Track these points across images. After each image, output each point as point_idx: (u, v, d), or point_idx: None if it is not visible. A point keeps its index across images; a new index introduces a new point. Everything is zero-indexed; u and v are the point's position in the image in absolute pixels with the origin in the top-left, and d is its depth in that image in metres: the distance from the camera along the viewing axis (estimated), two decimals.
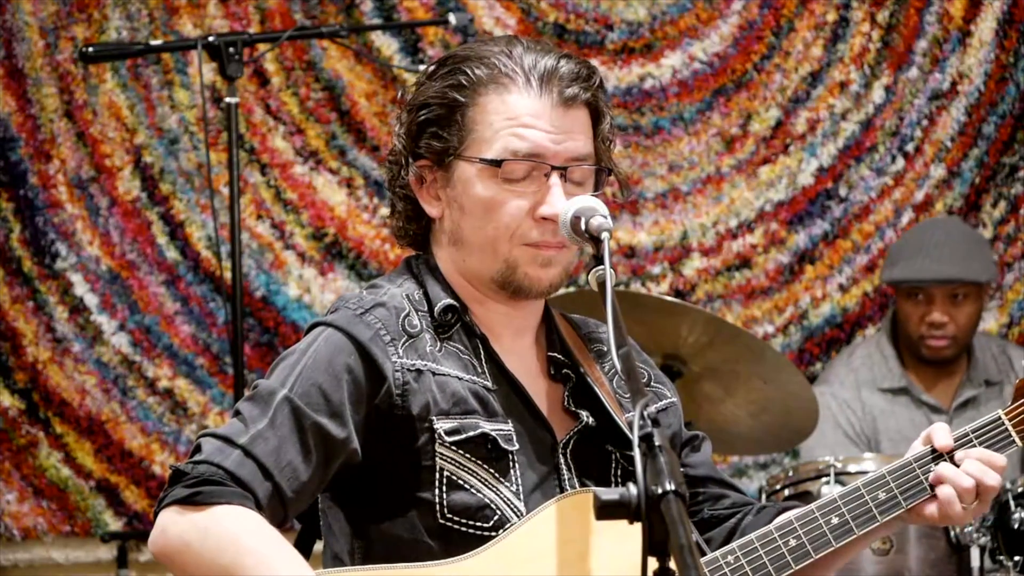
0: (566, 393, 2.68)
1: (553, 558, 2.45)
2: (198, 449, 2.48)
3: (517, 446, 2.59)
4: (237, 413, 2.52)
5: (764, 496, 4.49)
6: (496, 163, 2.59)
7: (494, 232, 2.61)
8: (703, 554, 2.59)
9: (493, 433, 2.57)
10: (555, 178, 2.60)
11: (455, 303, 2.64)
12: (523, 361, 2.68)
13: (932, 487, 2.62)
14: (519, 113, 2.61)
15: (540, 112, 2.61)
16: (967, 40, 5.63)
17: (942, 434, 2.64)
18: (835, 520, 2.61)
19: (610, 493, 2.03)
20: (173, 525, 2.42)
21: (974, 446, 2.65)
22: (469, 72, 2.63)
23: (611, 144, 2.71)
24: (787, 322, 5.57)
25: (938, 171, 5.63)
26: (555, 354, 2.71)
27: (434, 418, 2.54)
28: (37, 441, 5.25)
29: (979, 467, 2.61)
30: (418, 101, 2.67)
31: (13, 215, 5.27)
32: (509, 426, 2.59)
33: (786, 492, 4.37)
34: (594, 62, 5.54)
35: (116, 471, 5.28)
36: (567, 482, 2.61)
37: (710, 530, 2.76)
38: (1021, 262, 5.65)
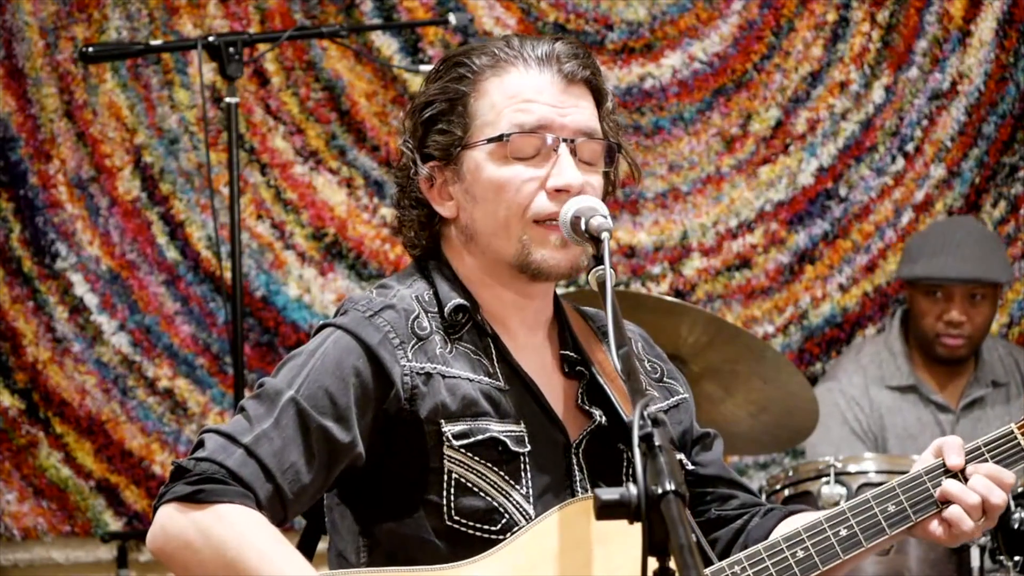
0: (580, 390, 2.67)
1: (558, 563, 2.45)
2: (201, 445, 2.47)
3: (529, 447, 2.58)
4: (242, 410, 2.51)
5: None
6: (503, 138, 2.58)
7: (506, 212, 2.59)
8: (704, 556, 2.58)
9: (503, 436, 2.56)
10: (564, 148, 2.59)
11: (465, 303, 2.62)
12: (537, 358, 2.66)
13: (942, 503, 2.60)
14: (521, 90, 2.61)
15: (542, 87, 2.61)
16: (967, 40, 5.63)
17: (954, 452, 2.62)
18: (843, 532, 2.59)
19: (610, 493, 2.03)
20: (173, 523, 2.42)
21: (985, 460, 2.63)
22: (468, 63, 2.64)
23: (618, 126, 2.70)
24: (787, 322, 5.57)
25: (938, 171, 5.63)
26: (568, 352, 2.70)
27: (443, 421, 2.54)
28: (37, 441, 5.25)
29: (986, 484, 2.60)
30: (421, 102, 2.67)
31: (13, 215, 5.26)
32: (521, 427, 2.58)
33: (786, 492, 4.37)
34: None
35: (116, 471, 5.28)
36: (579, 483, 2.61)
37: (717, 530, 2.76)
38: (1021, 262, 5.65)
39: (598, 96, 2.67)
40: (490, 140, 2.60)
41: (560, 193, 2.58)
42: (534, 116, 2.60)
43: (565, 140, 2.59)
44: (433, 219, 2.68)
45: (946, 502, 2.60)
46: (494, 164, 2.60)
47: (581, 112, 2.62)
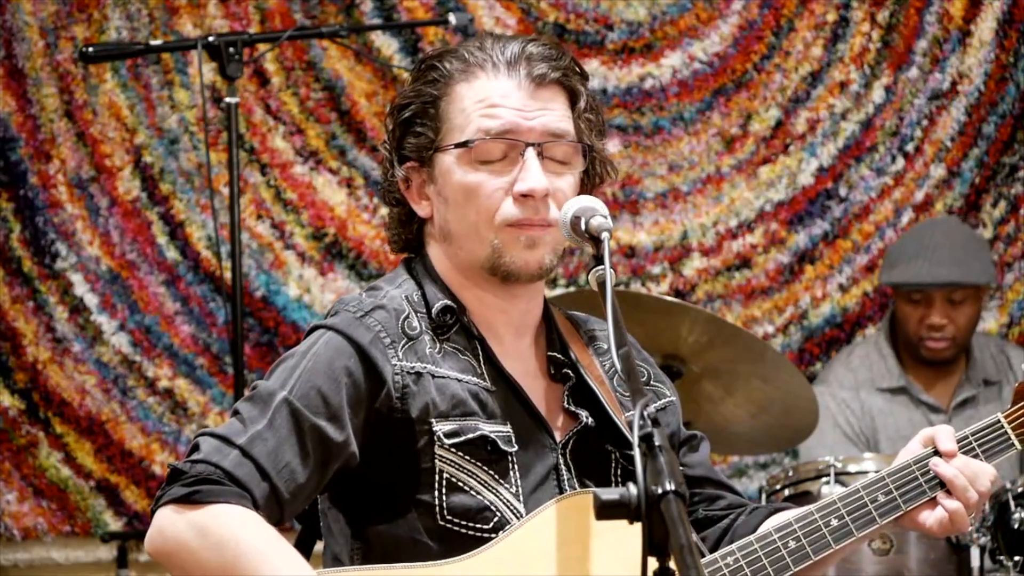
0: (566, 393, 2.68)
1: (552, 559, 2.45)
2: (196, 448, 2.47)
3: (516, 447, 2.59)
4: (236, 413, 2.52)
5: (764, 496, 4.49)
6: (468, 144, 2.60)
7: (476, 217, 2.61)
8: (702, 555, 2.59)
9: (492, 435, 2.57)
10: (530, 153, 2.60)
11: (452, 304, 2.64)
12: (523, 361, 2.68)
13: (931, 491, 2.64)
14: (488, 95, 2.63)
15: (509, 91, 2.62)
16: (967, 40, 5.63)
17: (946, 439, 2.65)
18: (834, 522, 2.61)
19: (610, 493, 2.03)
20: (170, 524, 2.42)
21: (974, 450, 2.66)
22: (441, 67, 2.66)
23: (594, 124, 2.69)
24: (787, 322, 5.57)
25: (938, 171, 5.63)
26: (555, 354, 2.71)
27: (433, 420, 2.55)
28: (37, 441, 5.25)
29: (972, 471, 2.64)
30: (398, 103, 2.71)
31: (13, 215, 5.26)
32: (508, 428, 2.59)
33: (786, 492, 4.37)
34: (594, 62, 5.58)
35: (116, 471, 5.28)
36: (567, 482, 2.61)
37: (704, 530, 2.77)
38: (1021, 262, 5.64)
39: (572, 96, 2.67)
40: (457, 145, 2.62)
41: (527, 198, 2.59)
42: (499, 121, 2.61)
43: (532, 144, 2.60)
44: (412, 218, 2.71)
45: (936, 488, 2.63)
46: (462, 169, 2.62)
47: (549, 114, 2.63)
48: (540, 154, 2.61)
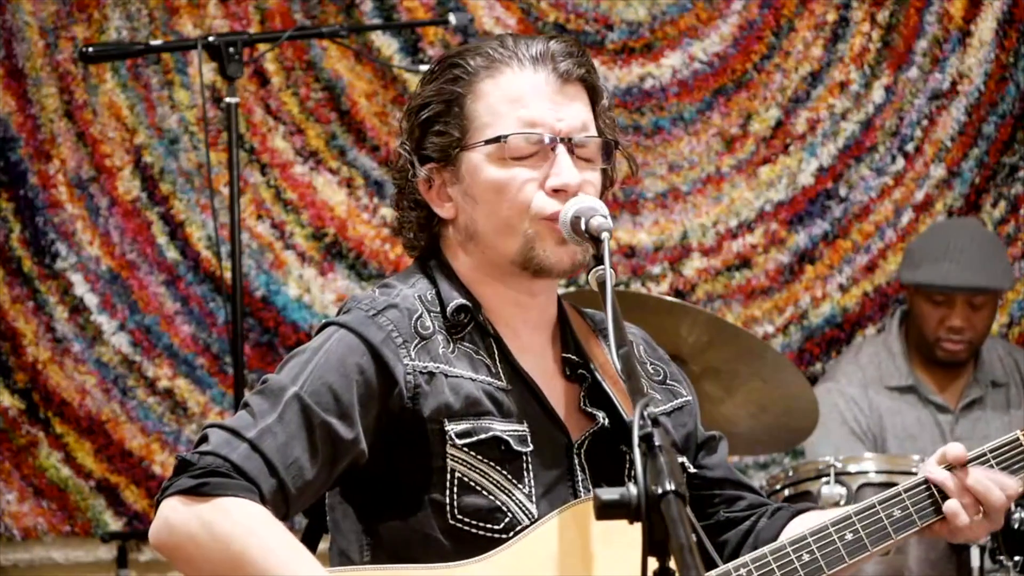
0: (582, 394, 2.67)
1: (560, 566, 2.45)
2: (204, 439, 2.46)
3: (531, 447, 2.58)
4: (246, 406, 2.51)
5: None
6: (500, 139, 2.58)
7: (508, 211, 2.59)
8: (708, 558, 2.58)
9: (506, 435, 2.56)
10: (561, 148, 2.59)
11: (468, 303, 2.62)
12: (538, 361, 2.66)
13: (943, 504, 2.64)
14: (517, 92, 2.61)
15: (538, 88, 2.61)
16: (967, 40, 5.63)
17: (956, 448, 2.65)
18: (849, 536, 2.61)
19: (610, 493, 2.03)
20: (177, 516, 2.41)
21: (992, 466, 2.66)
22: (464, 64, 2.64)
23: (613, 122, 2.70)
24: (787, 322, 5.57)
25: (938, 171, 5.63)
26: (570, 355, 2.70)
27: (445, 420, 2.53)
28: (37, 441, 5.25)
29: (985, 483, 2.63)
30: (417, 103, 2.67)
31: (13, 215, 5.26)
32: (524, 427, 2.58)
33: (786, 492, 4.37)
34: (594, 62, 5.57)
35: (116, 471, 5.28)
36: (581, 484, 2.61)
37: (726, 532, 2.76)
38: (1021, 262, 5.65)
39: (593, 94, 2.67)
40: (488, 141, 2.60)
41: (559, 192, 2.58)
42: (531, 116, 2.60)
43: (562, 140, 2.59)
44: (432, 220, 2.68)
45: (945, 501, 2.63)
46: (492, 165, 2.60)
47: (577, 111, 2.62)
48: (570, 150, 2.60)
